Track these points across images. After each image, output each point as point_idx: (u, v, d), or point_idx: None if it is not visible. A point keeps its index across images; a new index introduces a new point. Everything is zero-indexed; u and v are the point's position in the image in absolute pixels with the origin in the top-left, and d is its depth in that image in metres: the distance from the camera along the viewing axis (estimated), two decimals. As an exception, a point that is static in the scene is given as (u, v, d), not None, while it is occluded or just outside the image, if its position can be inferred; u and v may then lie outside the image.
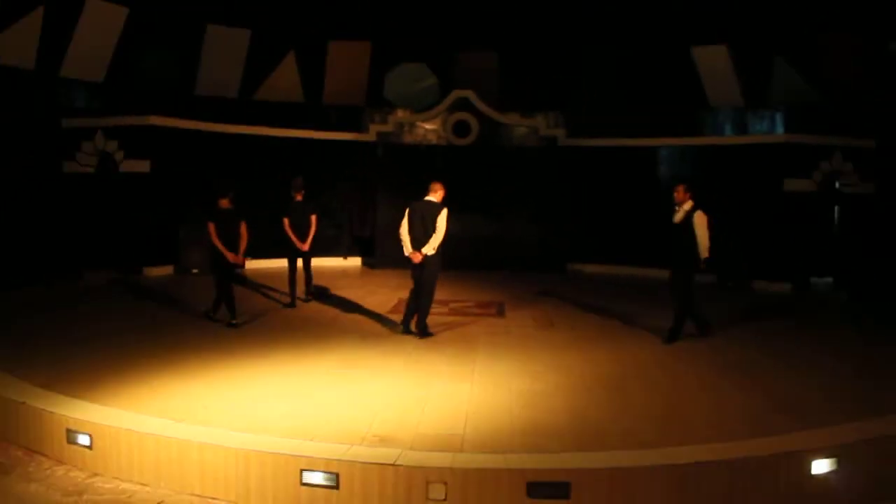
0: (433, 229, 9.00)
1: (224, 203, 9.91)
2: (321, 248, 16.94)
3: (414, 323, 9.40)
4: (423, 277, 9.20)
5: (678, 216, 9.12)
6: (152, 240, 14.43)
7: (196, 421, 5.79)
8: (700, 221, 8.96)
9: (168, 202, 14.50)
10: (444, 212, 9.07)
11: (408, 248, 9.15)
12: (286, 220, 11.51)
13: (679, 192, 9.16)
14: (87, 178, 14.75)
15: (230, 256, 9.66)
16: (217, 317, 10.02)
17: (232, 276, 10.05)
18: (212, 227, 9.64)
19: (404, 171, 16.36)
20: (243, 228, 9.83)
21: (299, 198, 11.71)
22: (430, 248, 9.01)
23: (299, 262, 11.80)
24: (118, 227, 14.61)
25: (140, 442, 5.48)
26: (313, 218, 11.66)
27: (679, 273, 9.25)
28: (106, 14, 14.57)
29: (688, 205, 9.07)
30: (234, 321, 9.69)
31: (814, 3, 14.81)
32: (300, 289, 11.84)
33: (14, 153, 13.54)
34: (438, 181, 9.35)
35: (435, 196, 9.25)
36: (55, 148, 14.50)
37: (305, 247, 11.61)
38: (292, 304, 11.52)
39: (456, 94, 16.55)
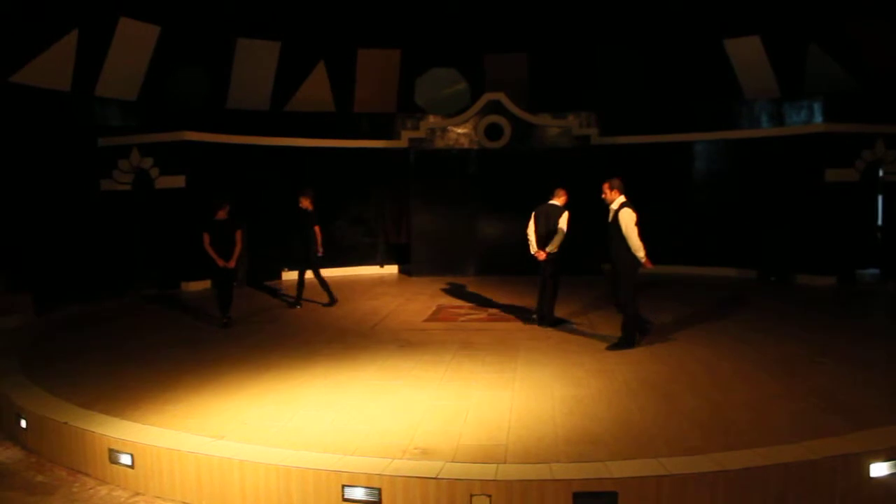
0: (556, 230, 9.95)
1: (221, 214, 10.79)
2: (358, 257, 17.12)
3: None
4: (549, 274, 10.14)
5: (610, 216, 8.70)
6: (190, 254, 14.49)
7: (236, 438, 5.76)
8: (625, 219, 8.48)
9: (204, 217, 14.58)
10: (566, 214, 10.01)
11: (533, 247, 10.18)
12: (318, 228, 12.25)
13: (605, 192, 8.74)
14: (124, 196, 14.93)
15: (220, 262, 10.58)
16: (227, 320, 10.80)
17: (225, 280, 10.84)
18: (206, 236, 10.61)
19: (438, 177, 16.34)
20: (238, 236, 10.78)
21: (311, 207, 12.26)
22: (553, 247, 9.99)
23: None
24: (156, 243, 14.77)
25: (181, 460, 5.47)
26: (317, 228, 12.29)
27: (618, 274, 8.78)
28: (138, 33, 14.73)
29: (616, 203, 8.63)
30: (223, 319, 10.71)
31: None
32: (324, 296, 12.54)
33: (52, 173, 13.74)
34: (563, 188, 10.29)
35: (558, 200, 10.21)
36: (92, 167, 14.70)
37: (321, 251, 12.32)
38: (298, 304, 12.37)
39: (487, 97, 16.46)
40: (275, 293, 14.13)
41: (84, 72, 14.20)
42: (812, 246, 14.43)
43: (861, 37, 14.82)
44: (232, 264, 10.73)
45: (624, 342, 8.83)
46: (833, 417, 5.99)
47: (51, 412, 6.44)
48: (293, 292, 12.56)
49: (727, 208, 15.61)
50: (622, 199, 8.66)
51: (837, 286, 13.99)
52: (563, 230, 9.97)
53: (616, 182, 8.73)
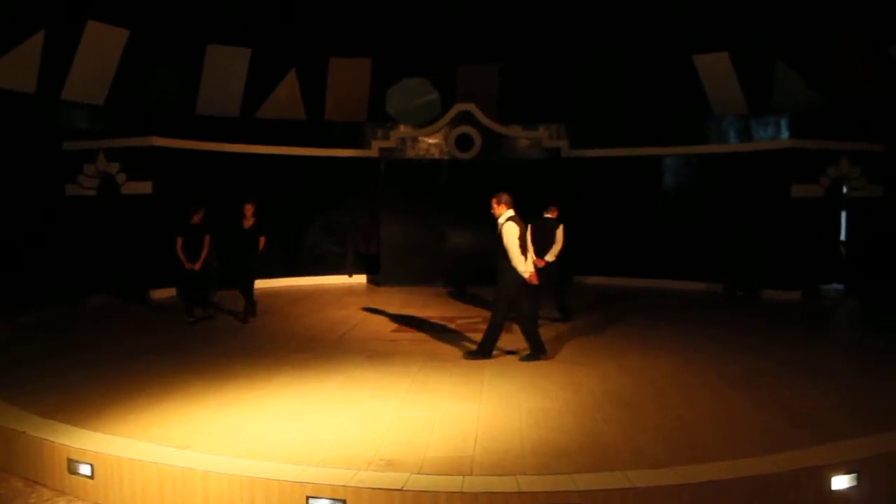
0: (553, 241, 11.07)
1: (195, 219, 11.41)
2: (327, 267, 17.03)
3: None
4: (548, 281, 10.78)
5: (497, 230, 8.72)
6: (156, 261, 14.32)
7: (199, 448, 5.67)
8: (506, 233, 8.52)
9: (171, 223, 14.36)
10: (562, 227, 11.17)
11: (532, 256, 10.11)
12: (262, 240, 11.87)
13: (493, 206, 8.77)
14: (89, 201, 14.72)
15: (186, 265, 11.23)
16: (194, 317, 11.52)
17: (192, 281, 11.50)
18: (178, 240, 11.31)
19: (408, 187, 16.32)
20: (206, 240, 11.38)
21: (252, 218, 11.77)
22: (551, 256, 11.00)
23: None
24: (121, 250, 14.56)
25: (142, 471, 5.37)
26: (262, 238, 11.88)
27: (501, 287, 8.78)
28: (106, 36, 14.57)
29: (503, 217, 8.66)
30: (188, 319, 11.41)
31: (814, 7, 14.71)
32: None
33: (16, 176, 13.51)
34: (554, 204, 11.48)
35: (552, 214, 11.34)
36: (57, 171, 14.47)
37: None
38: (246, 320, 11.74)
39: (458, 107, 16.49)
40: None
41: (50, 74, 14.00)
42: (778, 261, 14.61)
43: (826, 55, 15.08)
44: (197, 266, 11.29)
45: (534, 354, 8.87)
46: (797, 430, 6.04)
47: (8, 421, 6.29)
48: (269, 301, 12.44)
49: (695, 222, 15.77)
50: (509, 213, 8.69)
51: (802, 301, 14.17)
52: (560, 241, 11.07)
53: (504, 197, 8.76)
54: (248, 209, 11.66)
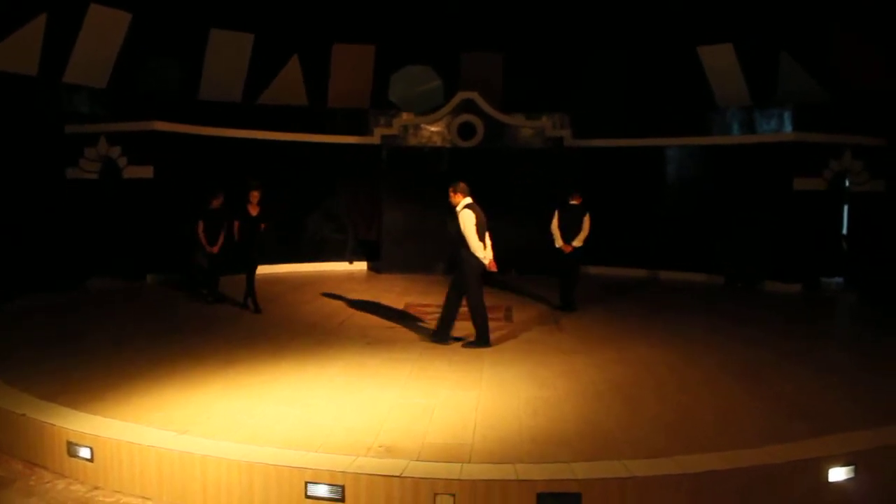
0: (580, 227, 11.36)
1: (215, 204, 11.88)
2: (328, 253, 17.02)
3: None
4: (571, 265, 11.59)
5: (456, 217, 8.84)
6: (156, 246, 14.31)
7: (198, 433, 5.68)
8: (463, 220, 8.64)
9: (172, 208, 14.35)
10: (588, 214, 11.42)
11: (559, 241, 11.49)
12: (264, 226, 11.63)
13: (450, 195, 8.91)
14: (91, 185, 14.70)
15: (208, 248, 11.78)
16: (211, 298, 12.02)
17: (213, 264, 12.00)
18: (200, 224, 11.78)
19: (410, 174, 16.28)
20: (225, 226, 11.73)
21: (257, 205, 11.47)
22: (578, 241, 11.36)
23: None
24: (122, 234, 14.54)
25: (142, 455, 5.38)
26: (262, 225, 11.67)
27: (462, 276, 8.87)
28: (109, 20, 14.50)
29: (460, 206, 8.77)
30: (207, 298, 12.02)
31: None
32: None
33: (17, 159, 13.48)
34: (577, 192, 11.70)
35: (576, 201, 11.51)
36: (58, 154, 14.44)
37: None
38: (256, 308, 11.36)
39: (461, 95, 16.42)
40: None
41: (52, 57, 13.94)
42: (779, 253, 14.59)
43: (832, 47, 15.01)
44: (216, 250, 11.79)
45: (479, 341, 8.90)
46: (796, 422, 6.05)
47: (8, 404, 6.30)
48: (270, 287, 12.41)
49: (697, 214, 15.75)
50: (467, 200, 8.81)
51: (803, 293, 14.16)
52: (586, 228, 11.35)
53: (460, 186, 8.91)
54: (254, 196, 11.33)
